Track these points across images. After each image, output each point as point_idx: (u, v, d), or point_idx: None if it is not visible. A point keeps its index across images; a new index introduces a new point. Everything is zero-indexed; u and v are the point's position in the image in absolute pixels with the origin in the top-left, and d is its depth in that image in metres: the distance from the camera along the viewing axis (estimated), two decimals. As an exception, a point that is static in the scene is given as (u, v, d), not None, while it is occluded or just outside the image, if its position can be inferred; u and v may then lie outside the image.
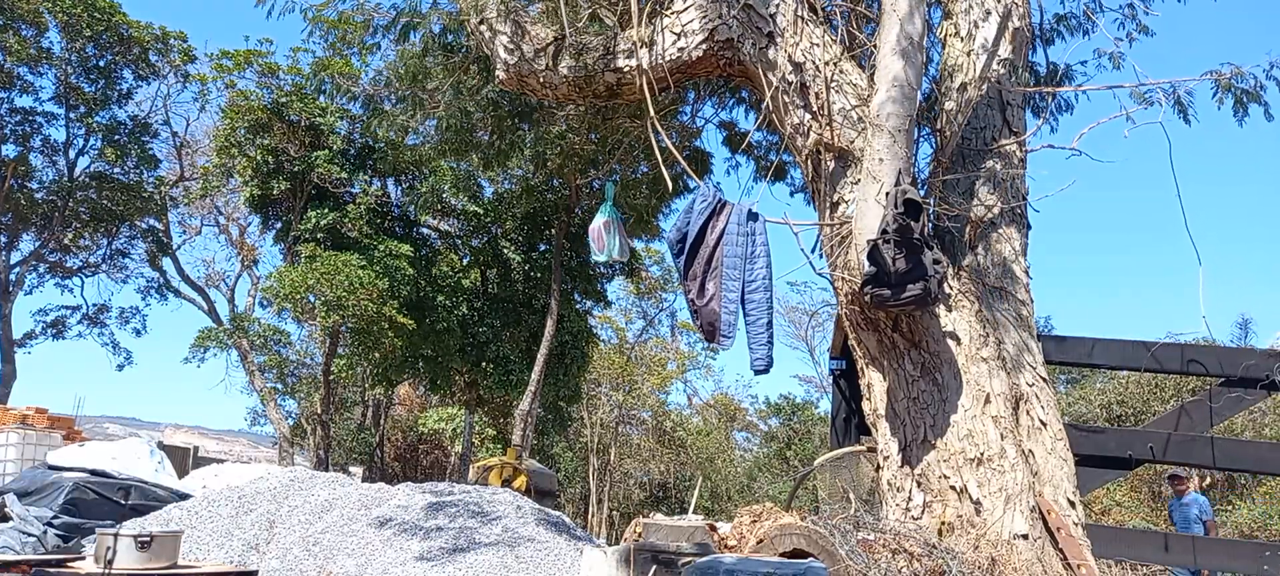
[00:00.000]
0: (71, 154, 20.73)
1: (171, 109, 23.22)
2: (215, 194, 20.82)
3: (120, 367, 23.01)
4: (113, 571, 3.09)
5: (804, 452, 26.75)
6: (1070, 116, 8.21)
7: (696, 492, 13.60)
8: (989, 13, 5.52)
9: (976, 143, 5.36)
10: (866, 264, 4.28)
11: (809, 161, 5.08)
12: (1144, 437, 5.44)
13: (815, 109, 4.93)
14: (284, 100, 17.13)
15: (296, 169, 17.30)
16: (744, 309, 4.92)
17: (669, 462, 29.77)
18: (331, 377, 18.70)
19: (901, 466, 4.67)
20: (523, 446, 15.34)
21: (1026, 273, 5.18)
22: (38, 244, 21.39)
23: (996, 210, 5.13)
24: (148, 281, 22.71)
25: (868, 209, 4.41)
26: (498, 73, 5.63)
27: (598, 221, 6.09)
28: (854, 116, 4.90)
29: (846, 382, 7.04)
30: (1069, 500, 4.59)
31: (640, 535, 5.43)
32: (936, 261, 4.26)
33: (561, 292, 16.60)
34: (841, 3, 5.36)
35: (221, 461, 14.72)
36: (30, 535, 7.11)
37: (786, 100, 5.04)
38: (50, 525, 7.29)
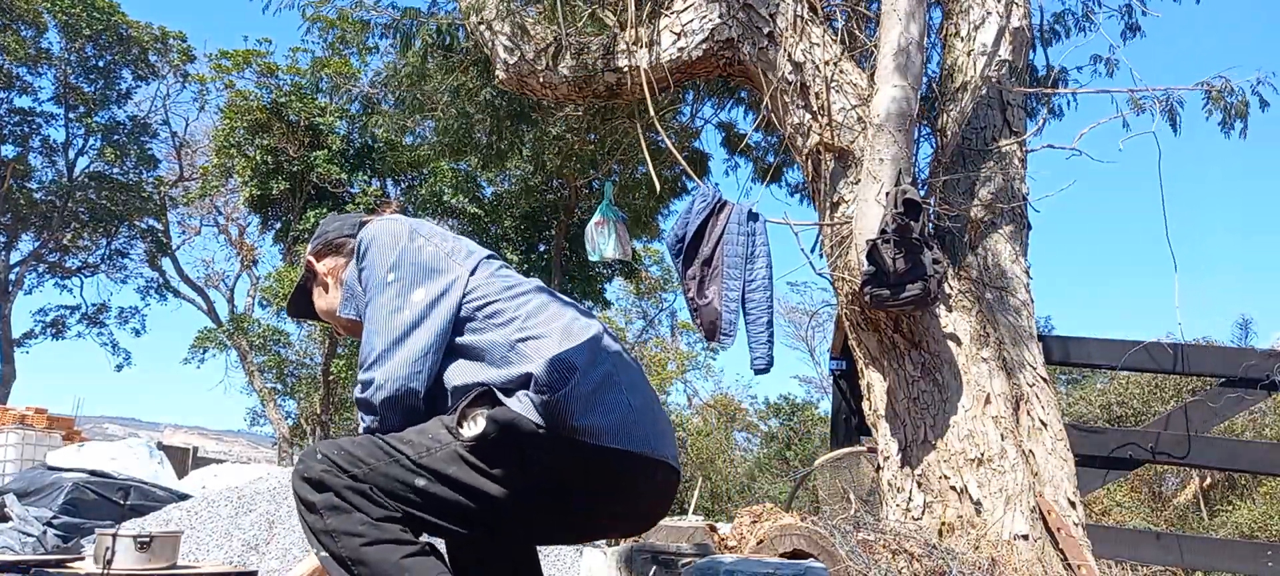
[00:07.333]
0: (71, 154, 20.77)
1: (171, 109, 23.24)
2: (214, 194, 20.82)
3: (120, 368, 23.06)
4: (112, 572, 3.08)
5: (804, 453, 26.72)
6: (1065, 120, 8.25)
7: (696, 493, 13.59)
8: (989, 14, 5.52)
9: (976, 143, 5.35)
10: (866, 264, 4.28)
11: (809, 161, 5.08)
12: (1144, 437, 5.42)
13: (815, 109, 4.93)
14: (283, 100, 17.14)
15: (296, 169, 17.30)
16: (744, 309, 4.91)
17: (669, 463, 29.65)
18: (331, 378, 18.70)
19: (901, 467, 4.66)
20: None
21: (1027, 272, 5.17)
22: (37, 244, 21.40)
23: (997, 210, 5.13)
24: (147, 281, 22.76)
25: (868, 209, 4.40)
26: (498, 73, 5.62)
27: (592, 221, 6.09)
28: (854, 116, 4.90)
29: (846, 383, 7.03)
30: (1069, 500, 4.58)
31: (640, 536, 5.43)
32: (936, 261, 4.26)
33: (561, 293, 16.60)
34: (841, 3, 5.36)
35: (221, 461, 14.70)
36: (30, 535, 7.10)
37: (786, 100, 5.04)
38: (50, 525, 7.28)
